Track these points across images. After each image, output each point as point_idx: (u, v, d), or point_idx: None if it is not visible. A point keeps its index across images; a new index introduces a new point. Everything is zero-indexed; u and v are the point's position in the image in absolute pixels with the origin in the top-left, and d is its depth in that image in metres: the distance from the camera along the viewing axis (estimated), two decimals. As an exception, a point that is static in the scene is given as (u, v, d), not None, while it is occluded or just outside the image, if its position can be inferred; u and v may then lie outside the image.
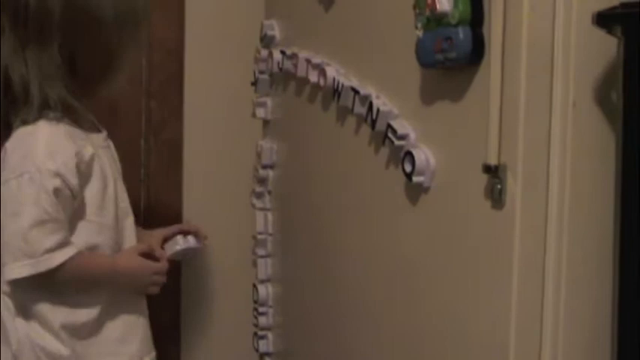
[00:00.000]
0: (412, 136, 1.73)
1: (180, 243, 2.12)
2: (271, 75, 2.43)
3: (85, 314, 1.86)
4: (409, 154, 1.69)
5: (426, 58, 1.63)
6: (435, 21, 1.58)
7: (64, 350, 1.83)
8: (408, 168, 1.70)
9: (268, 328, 2.55)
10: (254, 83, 2.52)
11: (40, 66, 1.79)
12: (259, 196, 2.53)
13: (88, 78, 1.86)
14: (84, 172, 1.82)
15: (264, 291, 2.53)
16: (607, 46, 1.44)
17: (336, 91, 1.98)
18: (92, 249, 1.86)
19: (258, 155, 2.50)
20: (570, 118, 1.47)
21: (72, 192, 1.80)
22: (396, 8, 1.77)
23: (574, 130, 1.47)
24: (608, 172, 1.44)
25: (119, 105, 2.52)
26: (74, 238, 1.82)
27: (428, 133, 1.70)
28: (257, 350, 2.58)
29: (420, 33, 1.64)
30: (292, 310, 2.42)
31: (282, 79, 2.36)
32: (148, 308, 2.03)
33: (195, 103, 2.65)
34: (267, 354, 2.57)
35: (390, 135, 1.76)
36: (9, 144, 1.79)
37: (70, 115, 1.83)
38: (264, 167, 2.48)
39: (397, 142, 1.74)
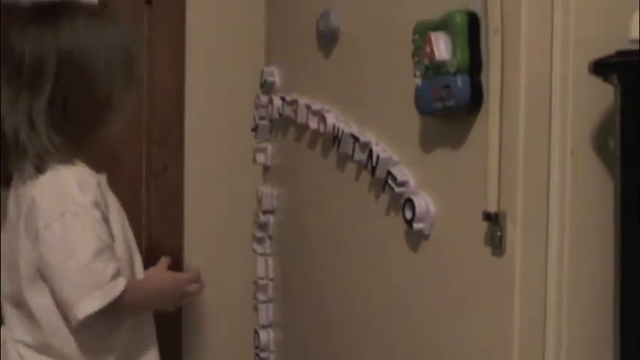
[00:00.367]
0: (412, 182, 1.74)
1: None
2: (271, 121, 2.44)
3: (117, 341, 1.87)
4: (409, 200, 1.70)
5: (425, 105, 1.64)
6: (434, 69, 1.60)
7: None
8: (408, 215, 1.71)
9: (270, 374, 2.55)
10: (254, 129, 2.53)
11: (33, 114, 1.80)
12: (260, 241, 2.53)
13: (82, 124, 1.86)
14: (104, 204, 1.83)
15: (266, 336, 2.52)
16: (604, 93, 1.45)
17: (336, 138, 1.99)
18: None
19: (259, 201, 2.50)
20: (569, 164, 1.48)
21: (106, 222, 1.80)
22: (395, 56, 1.78)
23: (573, 176, 1.48)
24: (607, 218, 1.45)
25: (120, 150, 2.53)
26: None
27: (428, 179, 1.71)
28: (259, 396, 2.57)
29: (418, 81, 1.65)
30: (294, 356, 2.42)
31: (283, 125, 2.37)
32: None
33: (196, 149, 2.65)
34: (269, 399, 2.56)
35: (390, 182, 1.77)
36: (36, 194, 1.78)
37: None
38: (265, 213, 2.48)
39: (397, 189, 1.75)
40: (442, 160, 1.66)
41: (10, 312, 1.88)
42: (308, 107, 2.14)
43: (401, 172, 1.76)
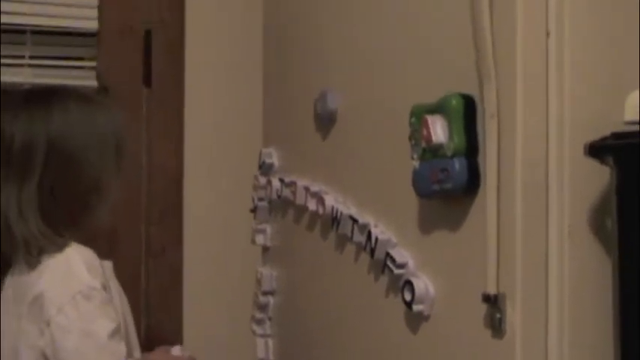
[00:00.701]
0: (411, 264, 1.74)
1: None
2: (270, 202, 2.44)
3: None
4: (409, 282, 1.70)
5: (422, 188, 1.65)
6: (431, 152, 1.61)
7: None
8: (407, 297, 1.71)
9: None
10: (253, 210, 2.53)
11: (21, 200, 1.80)
12: (260, 322, 2.52)
13: (70, 210, 1.86)
14: (108, 289, 1.83)
15: (267, 418, 2.50)
16: (600, 174, 1.46)
17: (334, 220, 2.00)
18: None
19: (258, 282, 2.50)
20: (567, 245, 1.49)
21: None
22: (392, 138, 1.80)
23: (571, 257, 1.49)
24: (606, 299, 1.45)
25: (119, 232, 2.54)
26: None
27: (427, 261, 1.71)
28: None
29: (416, 163, 1.66)
30: None
31: (281, 206, 2.38)
32: None
33: (195, 230, 2.66)
34: None
35: (389, 263, 1.77)
36: (43, 281, 1.77)
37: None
38: (265, 294, 2.47)
39: (396, 271, 1.75)
40: (441, 241, 1.67)
41: None
42: (306, 189, 2.15)
43: (400, 254, 1.76)
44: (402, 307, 1.73)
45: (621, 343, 1.40)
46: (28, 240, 1.78)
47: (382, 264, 1.80)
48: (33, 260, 1.78)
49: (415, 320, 1.73)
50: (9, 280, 1.84)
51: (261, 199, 2.47)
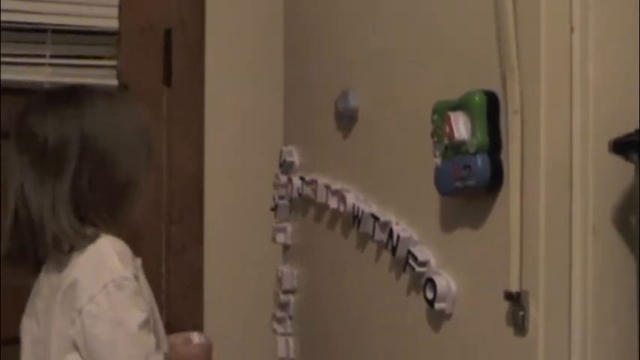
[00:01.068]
0: (433, 262, 1.74)
1: None
2: (291, 200, 2.45)
3: None
4: (430, 280, 1.70)
5: (445, 186, 1.64)
6: (454, 149, 1.60)
7: None
8: (429, 295, 1.70)
9: None
10: (273, 209, 2.53)
11: (55, 198, 1.80)
12: (280, 321, 2.52)
13: (106, 206, 1.87)
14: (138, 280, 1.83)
15: (287, 417, 2.50)
16: (625, 171, 1.45)
17: (356, 218, 1.99)
18: None
19: (279, 280, 2.50)
20: (590, 242, 1.47)
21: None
22: (414, 135, 1.79)
23: (594, 255, 1.48)
24: (630, 296, 1.44)
25: (139, 230, 2.53)
26: None
27: (449, 259, 1.71)
28: None
29: (438, 161, 1.66)
30: None
31: (302, 204, 2.37)
32: None
33: (216, 229, 2.66)
34: None
35: (410, 261, 1.77)
36: (77, 272, 1.78)
37: None
38: (286, 292, 2.48)
39: (418, 269, 1.75)
40: (463, 239, 1.66)
41: None
42: (327, 187, 2.15)
43: (421, 252, 1.76)
44: (424, 305, 1.72)
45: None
46: (58, 236, 1.79)
47: (404, 262, 1.79)
48: (64, 257, 1.79)
49: (437, 318, 1.72)
50: (43, 278, 1.85)
51: (281, 198, 2.47)
